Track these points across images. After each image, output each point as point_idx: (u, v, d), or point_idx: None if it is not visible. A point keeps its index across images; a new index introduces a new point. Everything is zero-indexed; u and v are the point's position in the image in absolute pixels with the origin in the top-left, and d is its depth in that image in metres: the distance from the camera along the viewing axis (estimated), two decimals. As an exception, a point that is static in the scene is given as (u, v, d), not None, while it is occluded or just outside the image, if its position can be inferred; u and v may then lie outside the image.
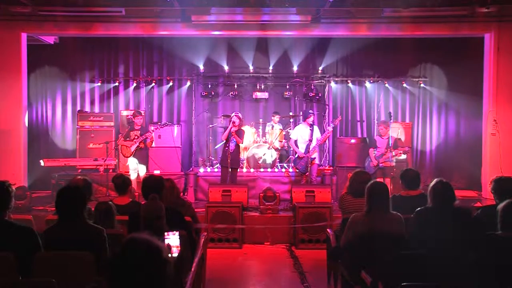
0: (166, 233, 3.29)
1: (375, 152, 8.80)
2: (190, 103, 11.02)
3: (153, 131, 8.61)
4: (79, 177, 4.80)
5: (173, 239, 3.27)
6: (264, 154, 9.55)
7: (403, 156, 8.87)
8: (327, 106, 10.87)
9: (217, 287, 5.32)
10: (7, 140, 8.94)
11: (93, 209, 4.23)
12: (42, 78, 10.56)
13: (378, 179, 7.14)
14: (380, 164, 8.53)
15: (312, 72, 10.90)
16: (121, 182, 4.97)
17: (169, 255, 3.08)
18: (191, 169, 9.88)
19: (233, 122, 8.08)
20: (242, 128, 8.55)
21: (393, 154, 8.45)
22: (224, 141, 8.32)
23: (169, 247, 3.21)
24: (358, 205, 4.53)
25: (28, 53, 9.28)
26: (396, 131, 9.55)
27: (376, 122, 10.65)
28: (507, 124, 8.88)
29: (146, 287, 1.74)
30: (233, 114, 8.37)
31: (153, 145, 9.00)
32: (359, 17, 8.98)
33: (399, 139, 9.35)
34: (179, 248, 3.28)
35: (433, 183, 3.98)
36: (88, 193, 4.37)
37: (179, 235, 3.36)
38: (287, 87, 10.81)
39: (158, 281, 1.75)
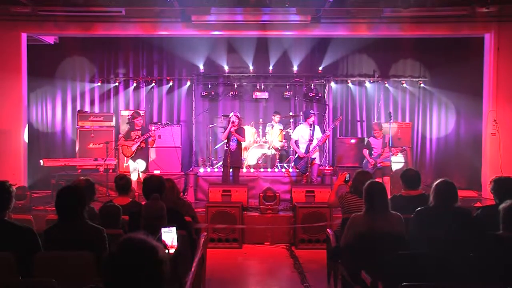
0: (161, 229, 3.26)
1: (372, 153, 8.78)
2: (190, 103, 11.02)
3: (154, 130, 8.60)
4: (82, 177, 4.80)
5: (168, 236, 3.25)
6: (264, 154, 9.54)
7: (400, 157, 8.84)
8: (327, 106, 10.87)
9: (217, 287, 5.32)
10: (7, 140, 8.93)
11: (97, 209, 4.23)
12: (42, 78, 10.56)
13: (377, 179, 7.14)
14: (378, 164, 8.53)
15: (312, 72, 10.88)
16: (124, 182, 4.97)
17: (166, 251, 3.07)
18: (191, 169, 9.87)
19: (233, 122, 8.15)
20: (243, 127, 8.58)
21: (391, 153, 8.45)
22: (225, 141, 8.36)
23: (164, 244, 3.18)
24: (362, 205, 4.51)
25: (28, 53, 9.28)
26: (393, 131, 9.53)
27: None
28: (507, 124, 8.88)
29: (142, 287, 1.74)
30: (232, 114, 8.40)
31: (155, 145, 8.99)
32: (359, 17, 8.98)
33: (399, 139, 9.33)
34: (176, 244, 3.26)
35: (437, 182, 3.97)
36: (91, 194, 4.37)
37: (179, 234, 3.35)
38: (287, 87, 10.81)
39: (154, 281, 1.75)
